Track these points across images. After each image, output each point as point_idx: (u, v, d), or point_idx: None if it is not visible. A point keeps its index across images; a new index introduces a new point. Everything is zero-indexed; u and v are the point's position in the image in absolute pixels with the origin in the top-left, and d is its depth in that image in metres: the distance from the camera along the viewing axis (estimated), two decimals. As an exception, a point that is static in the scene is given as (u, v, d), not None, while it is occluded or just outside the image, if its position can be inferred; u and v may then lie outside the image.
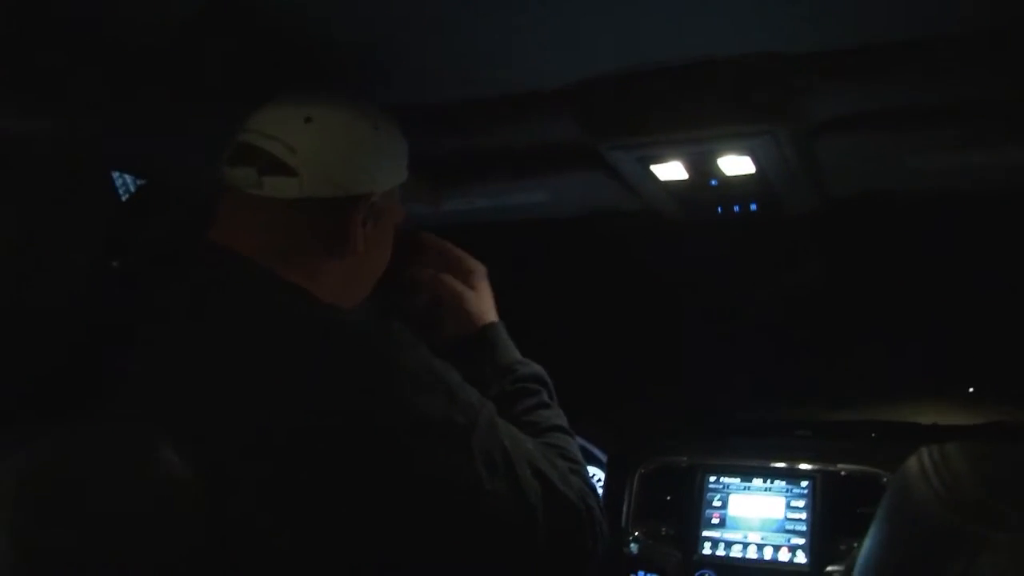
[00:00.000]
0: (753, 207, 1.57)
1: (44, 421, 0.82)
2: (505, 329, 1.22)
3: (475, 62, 1.16)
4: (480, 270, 1.26)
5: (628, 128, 1.29)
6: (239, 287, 0.98)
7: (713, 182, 1.43)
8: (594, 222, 1.75)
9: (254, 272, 0.99)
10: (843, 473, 1.88)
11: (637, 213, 1.65)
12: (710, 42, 1.11)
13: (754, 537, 1.87)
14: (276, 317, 0.95)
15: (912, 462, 0.51)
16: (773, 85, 1.19)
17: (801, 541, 1.83)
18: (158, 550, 0.79)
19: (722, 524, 1.91)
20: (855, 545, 1.75)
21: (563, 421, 1.14)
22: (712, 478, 1.96)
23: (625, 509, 2.00)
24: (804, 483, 1.88)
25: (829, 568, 1.78)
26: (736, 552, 1.87)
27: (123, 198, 1.50)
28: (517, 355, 1.19)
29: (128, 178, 1.75)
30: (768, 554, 1.84)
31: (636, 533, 1.94)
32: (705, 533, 1.91)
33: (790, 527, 1.86)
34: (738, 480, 1.94)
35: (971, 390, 2.14)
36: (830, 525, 1.83)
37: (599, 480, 2.09)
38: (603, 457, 2.10)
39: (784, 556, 1.83)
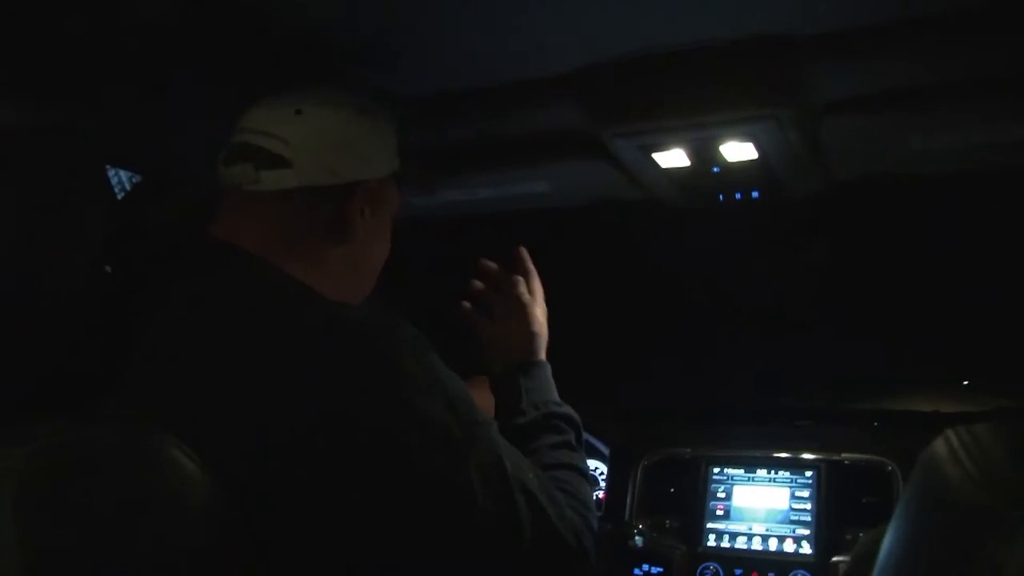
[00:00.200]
0: (755, 194, 1.56)
1: (45, 419, 0.80)
2: (550, 370, 1.26)
3: (477, 50, 1.15)
4: (547, 312, 1.32)
5: (630, 115, 1.28)
6: (242, 283, 0.98)
7: (715, 169, 1.42)
8: (595, 211, 1.73)
9: (257, 267, 0.99)
10: (847, 462, 1.87)
11: (638, 202, 1.64)
12: (711, 27, 1.11)
13: (759, 528, 1.86)
14: (279, 314, 0.94)
15: (939, 444, 0.49)
16: (775, 69, 1.18)
17: (806, 531, 1.82)
18: (163, 550, 0.78)
19: (727, 515, 1.89)
20: (860, 535, 1.76)
21: (584, 465, 1.15)
22: (716, 469, 1.95)
23: (629, 501, 1.99)
24: (808, 473, 1.87)
25: (835, 558, 1.77)
26: (741, 544, 1.86)
27: (119, 194, 1.49)
28: (556, 396, 1.23)
29: (124, 174, 1.73)
30: (773, 545, 1.83)
31: (640, 526, 1.93)
32: (710, 525, 1.89)
33: (795, 518, 1.84)
34: (742, 471, 1.93)
35: (965, 383, 2.13)
36: (835, 515, 1.82)
37: (601, 473, 2.08)
38: (605, 450, 2.09)
39: (789, 547, 1.82)
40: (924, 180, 1.61)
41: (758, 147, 1.32)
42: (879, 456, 1.84)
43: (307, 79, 1.11)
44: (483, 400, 1.14)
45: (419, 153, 1.15)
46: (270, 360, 0.89)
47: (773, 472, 1.91)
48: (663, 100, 1.25)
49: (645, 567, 1.91)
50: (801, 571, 1.79)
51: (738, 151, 1.34)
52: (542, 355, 1.28)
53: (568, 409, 1.20)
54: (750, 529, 1.86)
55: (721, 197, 1.57)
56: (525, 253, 1.33)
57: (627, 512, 1.98)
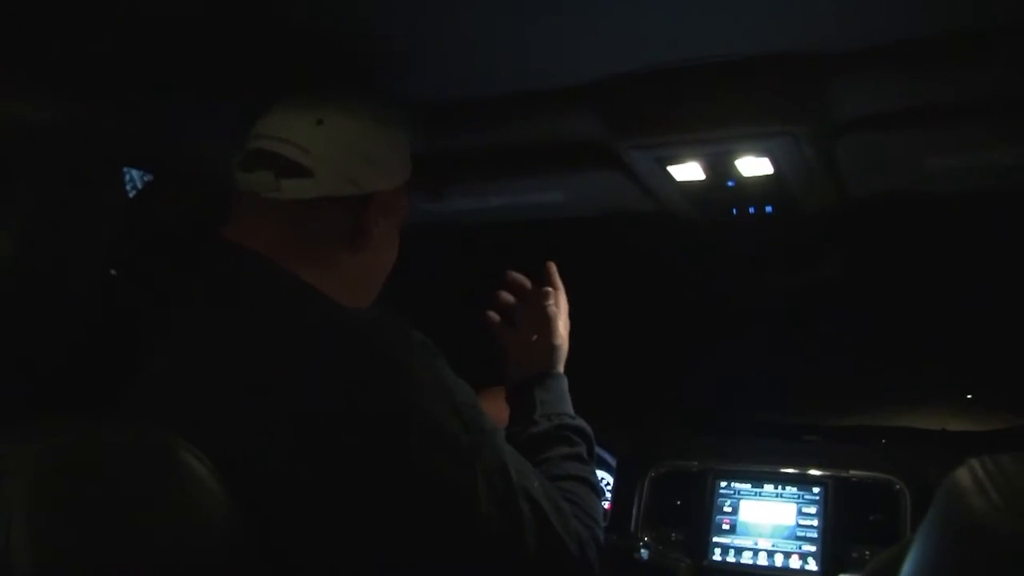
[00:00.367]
0: (768, 209, 1.56)
1: (59, 419, 0.80)
2: (567, 382, 1.28)
3: (493, 59, 1.15)
4: (569, 326, 1.34)
5: (646, 127, 1.28)
6: (255, 287, 0.99)
7: (730, 183, 1.42)
8: (607, 222, 1.73)
9: (271, 271, 0.99)
10: (855, 479, 1.86)
11: (651, 214, 1.64)
12: (730, 42, 1.10)
13: (765, 543, 1.85)
14: (289, 316, 0.95)
15: (962, 474, 0.48)
16: (793, 85, 1.18)
17: (812, 548, 1.81)
18: (173, 551, 0.78)
19: (733, 530, 1.89)
20: (867, 553, 1.75)
21: (594, 479, 1.15)
22: (723, 483, 1.94)
23: (635, 513, 1.98)
24: (816, 489, 1.86)
25: (841, 576, 1.76)
26: (747, 559, 1.85)
27: (131, 193, 1.50)
28: (571, 409, 1.24)
29: (136, 173, 1.74)
30: (779, 561, 1.82)
31: (646, 538, 1.92)
32: (715, 539, 1.89)
33: (801, 534, 1.84)
34: (749, 486, 1.92)
35: (969, 396, 2.13)
36: (842, 532, 1.81)
37: (608, 484, 2.07)
38: (612, 461, 2.08)
39: (795, 563, 1.81)
40: (938, 199, 1.60)
41: (774, 162, 1.32)
42: (887, 474, 1.83)
43: (323, 83, 1.11)
44: (497, 410, 1.14)
45: (433, 159, 1.15)
46: (278, 362, 0.90)
47: (780, 487, 1.90)
48: (680, 114, 1.25)
49: (650, 579, 1.91)
50: (807, 588, 1.78)
51: (754, 166, 1.34)
52: (560, 368, 1.29)
53: (581, 422, 1.21)
54: (756, 544, 1.86)
55: (735, 211, 1.56)
56: (554, 267, 1.35)
57: (633, 524, 1.97)
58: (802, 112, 1.22)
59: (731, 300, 2.14)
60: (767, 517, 1.88)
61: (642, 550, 1.88)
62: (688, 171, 1.38)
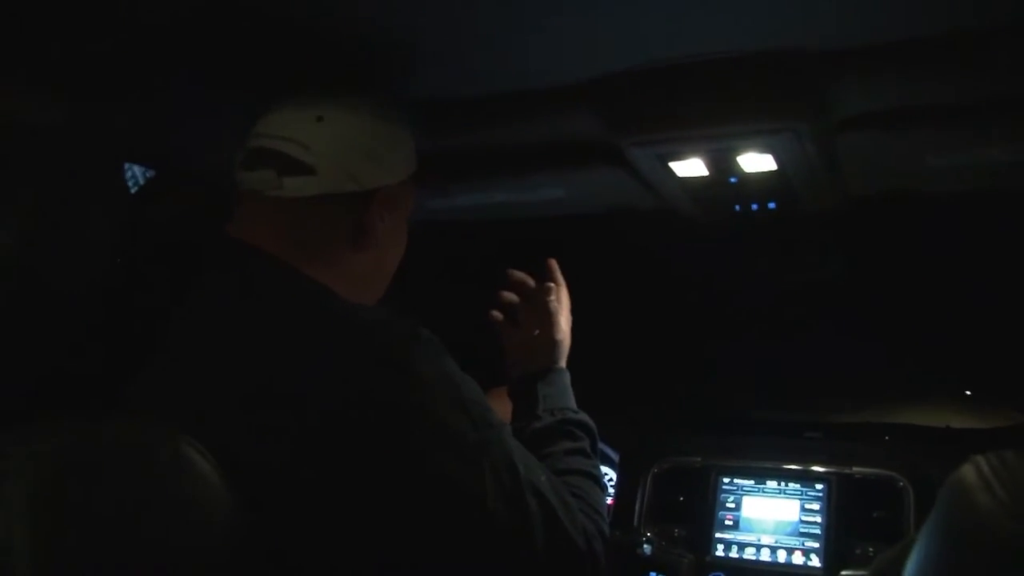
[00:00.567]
0: (771, 206, 1.55)
1: (61, 417, 0.80)
2: (569, 377, 1.29)
3: (496, 56, 1.15)
4: (571, 320, 1.35)
5: (648, 124, 1.28)
6: (260, 284, 0.99)
7: (732, 180, 1.42)
8: (610, 219, 1.73)
9: (275, 269, 0.99)
10: (858, 476, 1.86)
11: (654, 210, 1.64)
12: (733, 38, 1.10)
13: (768, 540, 1.85)
14: (294, 314, 0.95)
15: (968, 471, 0.48)
16: (795, 81, 1.18)
17: (815, 544, 1.81)
18: (178, 550, 0.78)
19: (735, 526, 1.89)
20: (870, 549, 1.75)
21: (598, 472, 1.16)
22: (726, 479, 1.94)
23: (638, 509, 1.98)
24: (819, 486, 1.87)
25: (844, 572, 1.76)
26: (749, 554, 1.85)
27: (132, 189, 1.50)
28: (573, 404, 1.25)
29: (138, 169, 1.74)
30: (782, 557, 1.83)
31: (648, 534, 1.92)
32: (718, 535, 1.89)
33: (804, 530, 1.84)
34: (752, 482, 1.92)
35: (968, 392, 2.13)
36: (845, 528, 1.81)
37: (611, 480, 2.07)
38: (615, 457, 2.08)
39: (798, 559, 1.81)
40: (939, 196, 1.60)
41: (777, 159, 1.32)
42: (890, 471, 1.83)
43: (324, 81, 1.11)
44: (501, 407, 1.14)
45: (434, 156, 1.15)
46: (282, 359, 0.90)
47: (783, 484, 1.90)
48: (682, 110, 1.24)
49: (652, 575, 1.91)
50: (809, 584, 1.79)
51: (756, 162, 1.34)
52: (563, 362, 1.30)
53: (584, 416, 1.21)
54: (759, 540, 1.86)
55: (737, 208, 1.56)
56: (555, 264, 1.36)
57: (636, 520, 1.97)
58: (804, 108, 1.22)
59: (733, 296, 2.14)
60: (770, 513, 1.88)
61: (645, 546, 1.88)
62: (690, 167, 1.38)
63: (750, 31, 1.07)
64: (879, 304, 2.07)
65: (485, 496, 0.91)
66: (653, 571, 1.90)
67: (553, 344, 1.29)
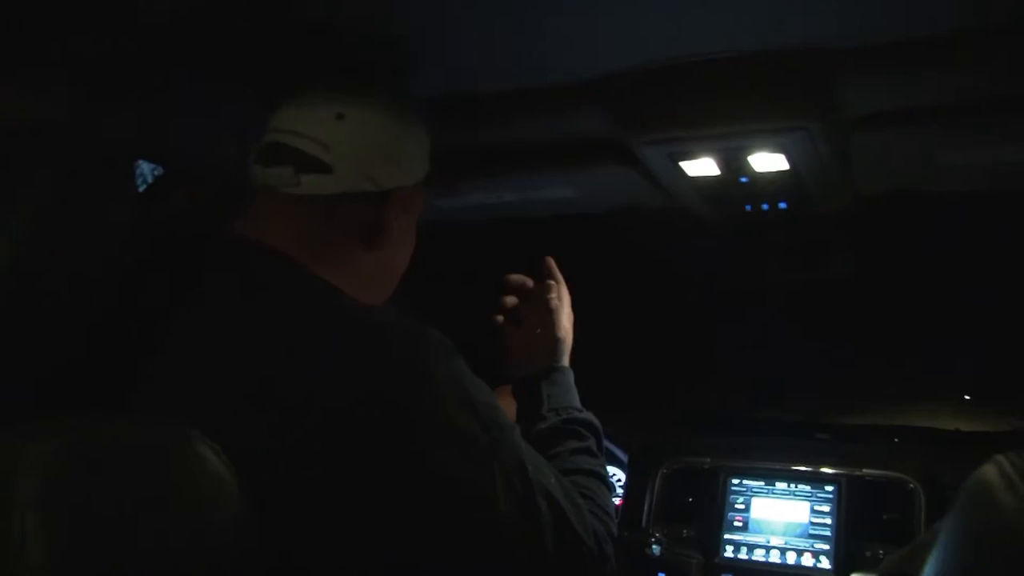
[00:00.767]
0: (781, 205, 1.55)
1: (68, 416, 0.80)
2: (573, 376, 1.27)
3: (506, 54, 1.15)
4: (573, 317, 1.33)
5: (660, 123, 1.27)
6: (270, 283, 0.98)
7: (743, 179, 1.41)
8: (619, 218, 1.73)
9: (286, 268, 0.99)
10: (868, 478, 1.85)
11: (663, 209, 1.63)
12: (745, 36, 1.09)
13: (777, 541, 1.84)
14: (305, 314, 0.94)
15: (990, 471, 0.48)
16: (807, 80, 1.17)
17: (825, 546, 1.80)
18: (189, 547, 0.78)
19: (745, 527, 1.88)
20: (880, 551, 1.74)
21: (604, 471, 1.15)
22: (735, 480, 1.93)
23: (646, 509, 1.98)
24: (829, 487, 1.86)
25: (853, 575, 1.75)
26: (759, 556, 1.84)
27: (140, 187, 1.50)
28: (578, 402, 1.23)
29: (147, 166, 1.74)
30: (791, 559, 1.82)
31: (657, 534, 1.92)
32: (727, 536, 1.88)
33: (814, 532, 1.83)
34: (762, 483, 1.91)
35: (967, 397, 2.12)
36: (855, 530, 1.81)
37: (619, 480, 2.07)
38: (624, 457, 2.08)
39: (808, 561, 1.80)
40: (951, 196, 1.59)
41: (789, 158, 1.31)
42: (901, 473, 1.82)
43: (333, 77, 1.10)
44: (506, 408, 1.13)
45: (443, 155, 1.15)
46: (291, 359, 0.89)
47: (793, 485, 1.89)
48: (694, 109, 1.24)
49: (661, 576, 1.91)
50: (819, 586, 1.78)
51: (768, 162, 1.33)
52: (566, 361, 1.28)
53: (589, 415, 1.20)
54: (768, 542, 1.85)
55: (748, 207, 1.55)
56: (553, 262, 1.34)
57: (644, 520, 1.97)
58: (816, 107, 1.21)
59: (743, 297, 2.14)
60: (780, 515, 1.87)
61: (654, 546, 1.88)
62: (701, 167, 1.37)
63: (762, 29, 1.07)
64: (889, 304, 2.06)
65: (495, 498, 0.90)
66: (662, 572, 1.89)
67: (555, 342, 1.28)
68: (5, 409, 0.88)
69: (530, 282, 1.35)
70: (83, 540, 0.72)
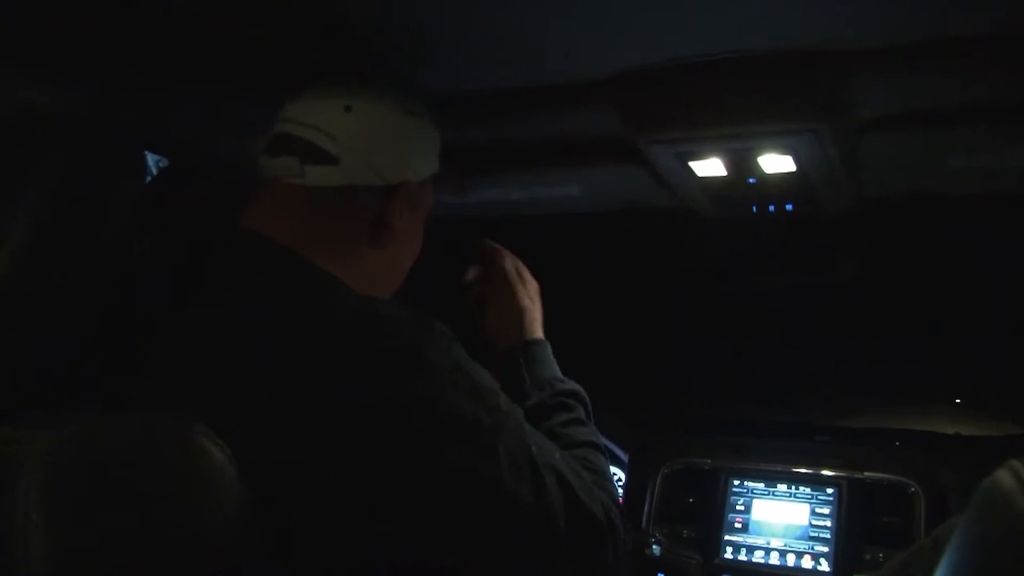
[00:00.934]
0: (788, 207, 1.54)
1: (71, 410, 0.80)
2: (550, 348, 1.25)
3: (515, 51, 1.14)
4: (536, 286, 1.31)
5: (668, 122, 1.27)
6: (274, 276, 0.98)
7: (751, 180, 1.41)
8: (623, 217, 1.72)
9: (289, 261, 0.99)
10: (869, 481, 1.86)
11: (669, 210, 1.63)
12: (756, 37, 1.09)
13: (777, 543, 1.85)
14: (308, 307, 0.94)
15: (1005, 476, 0.47)
16: (818, 82, 1.17)
17: (825, 549, 1.81)
18: (191, 540, 0.78)
19: (745, 529, 1.88)
20: (880, 555, 1.74)
21: (597, 439, 1.15)
22: (736, 481, 1.94)
23: (647, 510, 1.98)
24: (830, 490, 1.86)
25: (853, 577, 1.76)
26: (758, 557, 1.85)
27: (146, 179, 1.49)
28: (559, 372, 1.22)
29: (152, 158, 1.74)
30: (791, 561, 1.82)
31: (657, 534, 1.92)
32: (727, 537, 1.89)
33: (814, 534, 1.83)
34: (762, 485, 1.92)
35: (958, 401, 2.12)
36: (855, 533, 1.81)
37: (620, 480, 2.07)
38: (624, 457, 2.08)
39: (807, 563, 1.81)
40: (959, 199, 1.59)
41: (796, 160, 1.31)
42: (902, 476, 1.82)
43: (342, 71, 1.10)
44: None
45: (451, 151, 1.14)
46: (296, 354, 0.89)
47: (793, 487, 1.89)
48: (703, 109, 1.23)
49: (661, 576, 1.91)
50: (819, 588, 1.78)
51: (776, 163, 1.32)
52: (538, 332, 1.27)
53: (573, 384, 1.20)
54: (768, 543, 1.85)
55: (755, 208, 1.55)
56: (487, 240, 1.33)
57: (644, 520, 1.97)
58: (826, 110, 1.21)
59: (747, 298, 2.13)
60: (780, 516, 1.87)
61: (654, 546, 1.88)
62: (709, 167, 1.37)
63: (773, 30, 1.06)
64: (895, 307, 2.06)
65: (504, 481, 0.90)
66: (661, 572, 1.90)
67: (520, 312, 1.26)
68: (8, 402, 0.87)
69: (488, 249, 1.33)
70: (85, 534, 0.72)
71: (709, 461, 1.98)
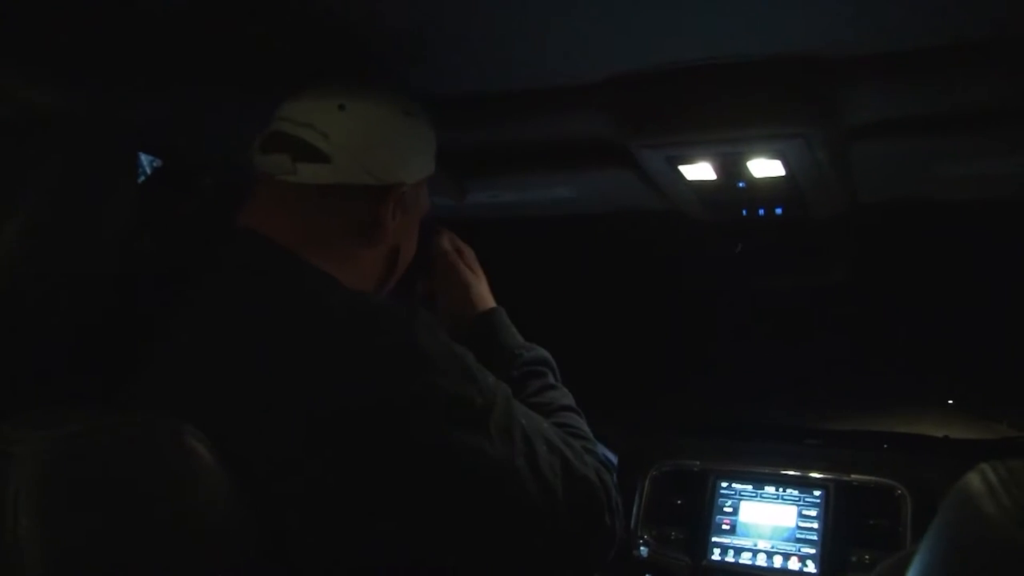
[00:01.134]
0: (778, 211, 1.56)
1: (64, 409, 0.81)
2: (505, 314, 1.24)
3: (508, 55, 1.15)
4: (473, 254, 1.29)
5: (659, 126, 1.27)
6: (269, 274, 0.98)
7: (741, 184, 1.42)
8: (615, 220, 1.73)
9: (285, 260, 0.99)
10: (856, 483, 1.87)
11: (660, 213, 1.64)
12: (745, 43, 1.10)
13: (764, 545, 1.86)
14: (304, 304, 0.94)
15: (973, 479, 0.48)
16: (807, 88, 1.18)
17: (812, 551, 1.82)
18: (180, 540, 0.78)
19: (732, 530, 1.89)
20: (866, 556, 1.76)
21: (571, 400, 1.15)
22: (724, 483, 1.95)
23: (635, 512, 1.99)
24: (817, 492, 1.87)
25: (839, 579, 1.77)
26: (746, 559, 1.86)
27: (140, 179, 1.50)
28: (521, 339, 1.21)
29: (146, 159, 1.74)
30: (778, 562, 1.83)
31: (645, 536, 1.93)
32: (715, 539, 1.89)
33: (801, 536, 1.84)
34: (750, 487, 1.93)
35: (950, 402, 2.13)
36: (842, 535, 1.82)
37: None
38: (614, 458, 2.08)
39: (794, 565, 1.82)
40: (947, 205, 1.60)
41: (786, 165, 1.32)
42: (889, 479, 1.84)
43: (338, 73, 1.11)
44: None
45: (445, 154, 1.15)
46: (295, 352, 0.89)
47: (781, 489, 1.90)
48: (693, 114, 1.24)
49: (648, 577, 1.92)
50: (805, 590, 1.79)
51: (765, 168, 1.34)
52: (489, 301, 1.26)
53: (538, 351, 1.20)
54: (756, 545, 1.86)
55: (745, 212, 1.56)
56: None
57: (633, 522, 1.98)
58: (815, 115, 1.22)
59: (738, 301, 2.15)
60: (767, 518, 1.88)
61: (641, 548, 1.89)
62: (699, 171, 1.38)
63: (762, 36, 1.07)
64: (883, 311, 2.07)
65: (500, 457, 0.91)
66: (649, 574, 1.91)
67: (466, 289, 1.25)
68: (6, 402, 0.88)
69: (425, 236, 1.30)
70: (75, 534, 0.72)
71: (698, 463, 1.99)
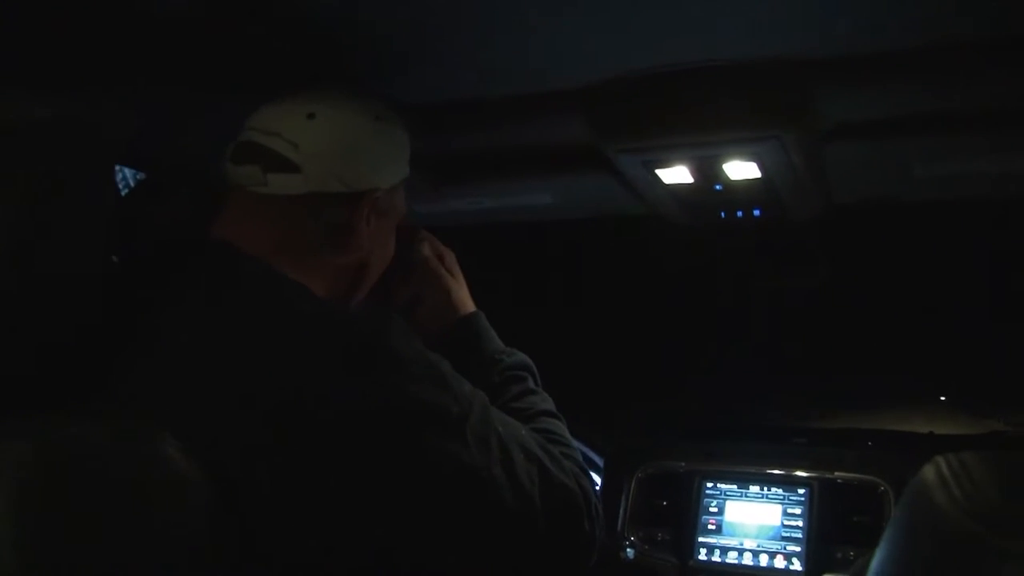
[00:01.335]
0: (756, 213, 1.57)
1: (41, 418, 0.81)
2: (485, 318, 1.23)
3: (485, 61, 1.15)
4: (453, 257, 1.27)
5: (634, 131, 1.28)
6: (242, 285, 0.97)
7: (718, 187, 1.43)
8: (597, 225, 1.74)
9: (257, 270, 0.98)
10: (840, 481, 1.88)
11: (640, 216, 1.65)
12: (719, 46, 1.11)
13: (750, 544, 1.87)
14: (277, 314, 0.94)
15: (928, 470, 0.50)
16: (782, 91, 1.19)
17: (797, 548, 1.83)
18: (158, 548, 0.78)
19: (718, 530, 1.90)
20: (851, 553, 1.77)
21: (551, 405, 1.14)
22: (709, 484, 1.96)
23: (621, 513, 2.00)
24: (801, 490, 1.88)
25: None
26: (732, 558, 1.87)
27: (123, 191, 1.50)
28: (500, 344, 1.20)
29: (128, 171, 1.74)
30: (764, 561, 1.84)
31: (632, 538, 1.94)
32: (701, 539, 1.91)
33: (786, 534, 1.85)
34: (735, 486, 1.94)
35: (943, 398, 2.15)
36: (826, 533, 1.83)
37: (595, 484, 2.08)
38: (599, 461, 2.10)
39: (780, 563, 1.83)
40: (924, 205, 1.62)
41: (761, 167, 1.33)
42: (872, 476, 1.85)
43: (315, 81, 1.11)
44: None
45: (423, 160, 1.15)
46: (271, 359, 0.89)
47: (766, 488, 1.92)
48: (668, 118, 1.25)
49: (636, 579, 1.93)
50: (791, 588, 1.80)
51: (741, 170, 1.35)
52: (469, 306, 1.24)
53: (518, 356, 1.19)
54: (741, 544, 1.87)
55: (723, 215, 1.57)
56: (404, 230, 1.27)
57: (619, 524, 1.98)
58: (789, 117, 1.23)
59: (719, 303, 2.16)
60: (753, 517, 1.89)
61: (628, 550, 1.90)
62: (676, 174, 1.39)
63: (735, 40, 1.08)
64: (863, 311, 2.09)
65: (476, 465, 0.91)
66: (636, 575, 1.91)
67: (447, 294, 1.22)
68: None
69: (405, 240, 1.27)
70: (53, 539, 0.72)
71: (683, 464, 2.00)
